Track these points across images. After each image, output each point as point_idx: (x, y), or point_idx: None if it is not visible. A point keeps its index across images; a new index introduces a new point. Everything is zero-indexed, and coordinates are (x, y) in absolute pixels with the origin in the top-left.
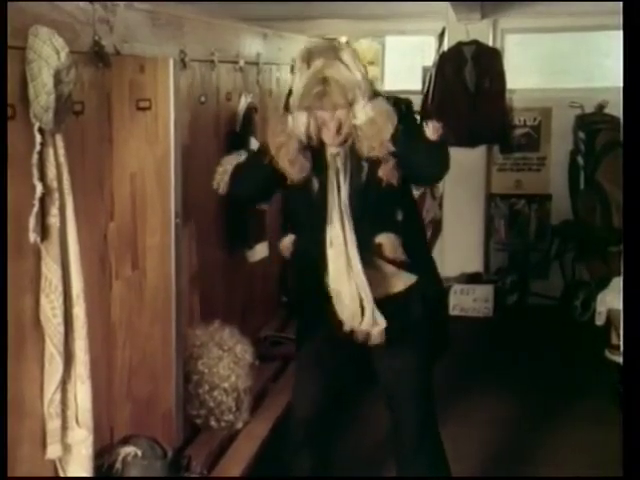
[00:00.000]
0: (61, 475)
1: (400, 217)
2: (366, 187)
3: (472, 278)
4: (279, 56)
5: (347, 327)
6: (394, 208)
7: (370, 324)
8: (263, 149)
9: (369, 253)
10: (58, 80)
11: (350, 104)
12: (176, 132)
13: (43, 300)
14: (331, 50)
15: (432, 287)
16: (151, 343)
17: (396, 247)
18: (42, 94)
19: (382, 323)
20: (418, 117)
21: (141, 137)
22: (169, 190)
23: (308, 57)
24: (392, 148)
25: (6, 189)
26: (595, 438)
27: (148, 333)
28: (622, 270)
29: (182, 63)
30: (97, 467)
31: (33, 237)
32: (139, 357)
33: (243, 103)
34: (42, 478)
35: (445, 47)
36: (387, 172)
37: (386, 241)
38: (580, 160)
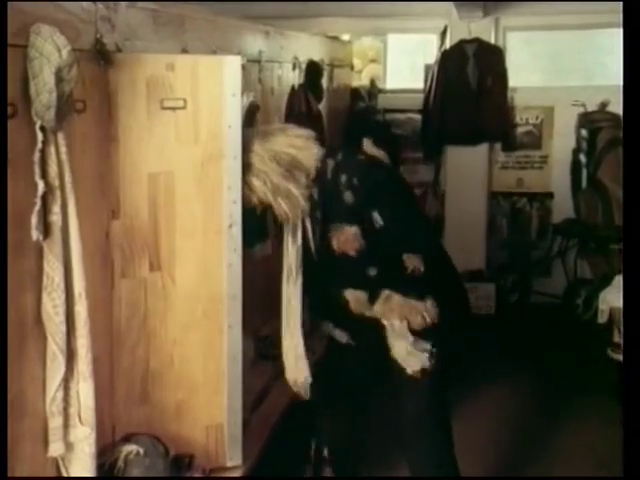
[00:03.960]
0: (64, 473)
1: (373, 272)
2: (325, 251)
3: (474, 276)
4: (281, 54)
5: (293, 378)
6: (363, 267)
7: (295, 375)
8: None
9: (340, 306)
10: (59, 78)
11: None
12: (231, 133)
13: (45, 298)
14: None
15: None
16: (183, 350)
17: (362, 303)
18: (44, 92)
19: (307, 378)
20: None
21: (168, 137)
22: (219, 194)
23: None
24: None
25: (6, 187)
26: (597, 436)
27: (179, 339)
28: (622, 268)
29: None
30: (99, 465)
31: (35, 235)
32: (162, 362)
33: (245, 101)
34: (42, 479)
35: (447, 45)
36: (341, 243)
37: (351, 297)
38: (582, 158)
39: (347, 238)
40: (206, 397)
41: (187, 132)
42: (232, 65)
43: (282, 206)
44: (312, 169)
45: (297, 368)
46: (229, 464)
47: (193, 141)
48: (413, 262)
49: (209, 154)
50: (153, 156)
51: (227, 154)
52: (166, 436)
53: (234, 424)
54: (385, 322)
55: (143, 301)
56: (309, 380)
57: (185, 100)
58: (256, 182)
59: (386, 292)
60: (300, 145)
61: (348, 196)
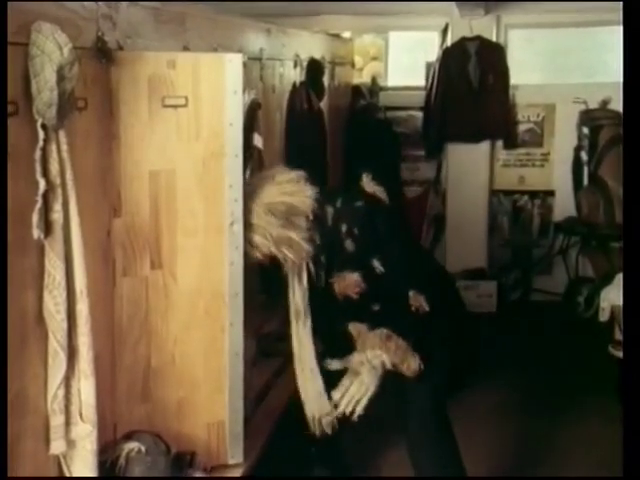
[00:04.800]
0: (65, 471)
1: (377, 308)
2: (327, 294)
3: (475, 274)
4: (282, 52)
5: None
6: (366, 305)
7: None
8: None
9: (345, 342)
10: (61, 76)
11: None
12: (232, 131)
13: (46, 296)
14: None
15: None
16: (184, 348)
17: (364, 335)
18: (45, 90)
19: (331, 412)
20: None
21: (170, 135)
22: (220, 192)
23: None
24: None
25: (7, 186)
26: (598, 434)
27: (180, 337)
28: (623, 266)
29: None
30: (100, 463)
31: (36, 233)
32: (163, 360)
33: (246, 99)
34: (44, 478)
35: (448, 43)
36: (342, 288)
37: (355, 331)
38: (584, 156)
39: (349, 284)
40: (207, 395)
41: (188, 130)
42: (233, 63)
43: (287, 254)
44: (309, 211)
45: (318, 404)
46: (230, 462)
47: (194, 139)
48: (418, 300)
49: (210, 152)
50: (154, 154)
51: (228, 152)
52: (167, 434)
53: (235, 422)
54: (369, 353)
55: (144, 299)
56: (333, 414)
57: (186, 98)
58: (257, 238)
59: (386, 331)
60: (292, 190)
61: (349, 244)
